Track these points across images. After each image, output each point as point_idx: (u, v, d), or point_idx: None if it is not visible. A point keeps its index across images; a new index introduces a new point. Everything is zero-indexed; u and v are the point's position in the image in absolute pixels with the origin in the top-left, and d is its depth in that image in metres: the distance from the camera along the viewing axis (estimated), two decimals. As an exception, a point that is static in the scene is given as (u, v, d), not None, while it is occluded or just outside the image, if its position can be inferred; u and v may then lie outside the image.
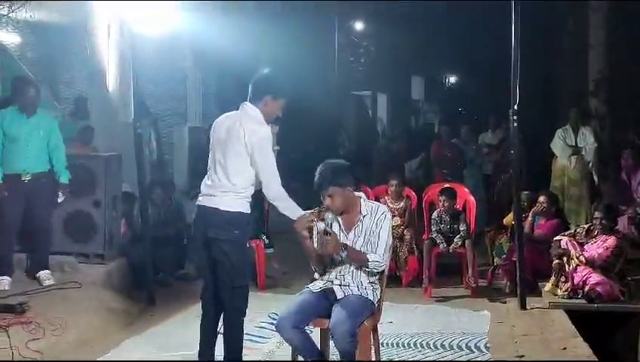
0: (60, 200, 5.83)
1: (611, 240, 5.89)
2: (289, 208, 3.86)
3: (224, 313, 3.95)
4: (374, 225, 3.77)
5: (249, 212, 3.93)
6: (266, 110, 3.93)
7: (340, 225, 3.85)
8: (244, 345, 4.99)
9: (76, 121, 8.29)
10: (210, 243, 3.88)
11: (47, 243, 5.93)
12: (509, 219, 7.27)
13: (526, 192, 7.05)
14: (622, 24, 9.72)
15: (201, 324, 4.08)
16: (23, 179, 5.58)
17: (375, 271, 3.78)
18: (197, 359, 4.08)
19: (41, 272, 5.75)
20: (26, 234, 5.80)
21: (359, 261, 3.76)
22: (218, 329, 4.02)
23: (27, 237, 5.83)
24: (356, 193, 3.89)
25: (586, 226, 6.26)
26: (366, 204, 3.85)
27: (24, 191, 5.61)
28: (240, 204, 3.86)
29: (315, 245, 3.78)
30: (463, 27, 16.40)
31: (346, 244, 3.75)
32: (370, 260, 3.73)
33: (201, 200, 3.93)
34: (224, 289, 3.89)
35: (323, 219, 3.77)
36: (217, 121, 4.02)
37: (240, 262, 3.88)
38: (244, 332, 5.23)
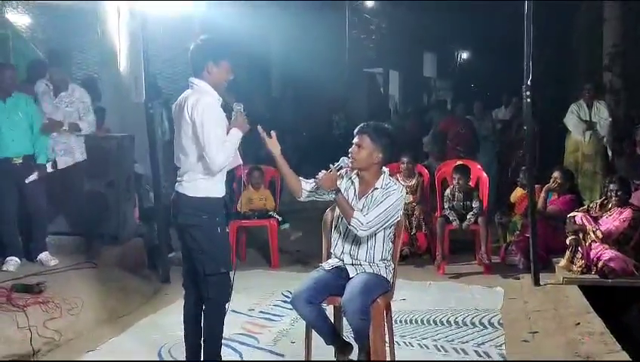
0: (30, 179, 5.66)
1: (627, 212, 5.86)
2: (230, 153, 3.65)
3: (204, 301, 3.76)
4: (382, 196, 3.75)
5: (220, 195, 3.71)
6: (213, 78, 3.68)
7: (355, 190, 3.86)
8: (258, 323, 5.08)
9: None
10: (182, 230, 3.76)
11: (44, 226, 5.92)
12: (515, 195, 7.26)
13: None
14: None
15: (183, 313, 3.92)
16: (14, 162, 5.57)
17: (353, 230, 3.69)
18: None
19: (42, 255, 5.76)
20: (21, 218, 5.75)
21: (344, 211, 3.72)
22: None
23: (23, 221, 5.77)
24: (383, 168, 3.86)
25: (598, 201, 6.23)
26: (384, 179, 3.82)
27: (17, 175, 5.61)
28: (206, 188, 3.64)
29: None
30: (475, 2, 16.23)
31: (338, 188, 3.74)
32: (353, 216, 3.66)
33: (175, 186, 3.77)
34: (199, 277, 3.71)
35: (342, 177, 3.83)
36: (175, 103, 3.80)
37: (212, 248, 3.65)
38: (259, 310, 5.31)
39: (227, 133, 3.67)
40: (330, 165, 3.75)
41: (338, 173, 3.78)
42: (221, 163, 3.60)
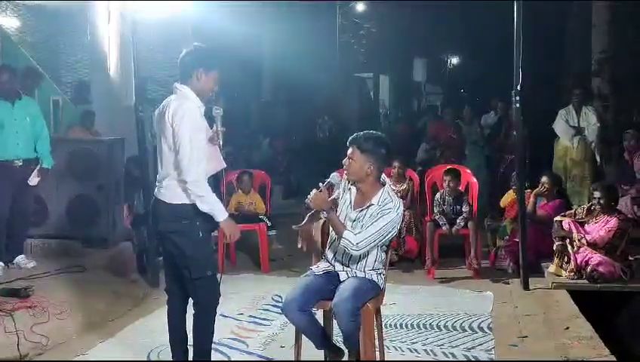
0: (34, 182, 5.70)
1: (613, 222, 5.84)
2: (213, 206, 3.58)
3: (193, 305, 3.74)
4: (377, 214, 3.67)
5: None
6: (200, 85, 3.65)
7: (351, 198, 3.80)
8: (247, 327, 5.07)
9: (78, 105, 8.28)
10: (163, 236, 3.71)
11: (26, 229, 5.92)
12: (505, 199, 7.27)
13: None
14: (625, 3, 9.63)
15: (167, 318, 3.91)
16: (15, 165, 5.57)
17: (344, 248, 3.66)
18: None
19: (18, 258, 5.73)
20: (7, 219, 5.69)
21: (335, 230, 3.69)
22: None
23: (7, 222, 5.70)
24: (385, 179, 3.80)
25: (586, 206, 6.23)
26: (382, 195, 3.72)
27: (15, 178, 5.60)
28: (183, 194, 3.57)
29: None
30: (466, 8, 16.31)
31: (331, 207, 3.70)
32: (343, 236, 3.61)
33: (155, 192, 3.72)
34: (187, 283, 3.69)
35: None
36: (158, 108, 3.75)
37: (195, 252, 3.61)
38: (249, 314, 5.29)
39: (208, 139, 3.66)
40: (320, 184, 3.70)
41: (328, 190, 3.73)
42: (193, 172, 3.50)
